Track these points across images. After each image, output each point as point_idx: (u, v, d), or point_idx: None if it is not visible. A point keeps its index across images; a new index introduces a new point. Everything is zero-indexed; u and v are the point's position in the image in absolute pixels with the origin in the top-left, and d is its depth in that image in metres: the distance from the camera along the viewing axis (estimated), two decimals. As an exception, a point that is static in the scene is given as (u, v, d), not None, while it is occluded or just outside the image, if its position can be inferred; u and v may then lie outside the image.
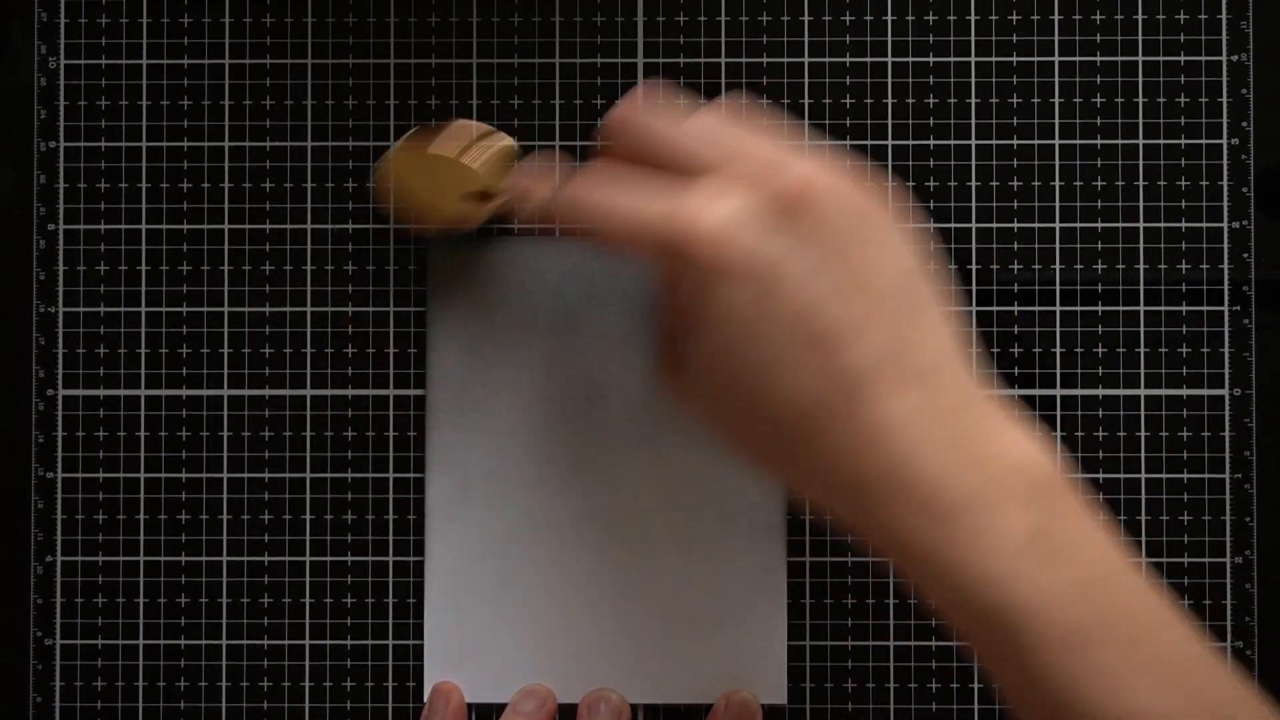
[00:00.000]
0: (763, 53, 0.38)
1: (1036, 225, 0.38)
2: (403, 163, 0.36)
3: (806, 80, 0.38)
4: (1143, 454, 0.38)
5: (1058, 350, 0.38)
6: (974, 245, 0.38)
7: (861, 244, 0.29)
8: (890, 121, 0.38)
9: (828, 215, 0.29)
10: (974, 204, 0.38)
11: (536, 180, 0.34)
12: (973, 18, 0.38)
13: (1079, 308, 0.38)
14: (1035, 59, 0.38)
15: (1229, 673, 0.28)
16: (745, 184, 0.29)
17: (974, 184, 0.38)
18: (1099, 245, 0.38)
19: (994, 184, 0.38)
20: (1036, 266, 0.38)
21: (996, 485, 0.28)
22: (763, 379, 0.29)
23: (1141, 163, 0.38)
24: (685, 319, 0.30)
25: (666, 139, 0.31)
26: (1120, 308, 0.38)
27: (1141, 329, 0.38)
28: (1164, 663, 0.28)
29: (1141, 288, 0.38)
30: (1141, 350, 0.38)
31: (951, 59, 0.38)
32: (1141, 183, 0.37)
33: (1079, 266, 0.38)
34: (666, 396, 0.32)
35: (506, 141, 0.36)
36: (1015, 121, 0.38)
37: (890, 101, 0.38)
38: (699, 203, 0.29)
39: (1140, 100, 0.38)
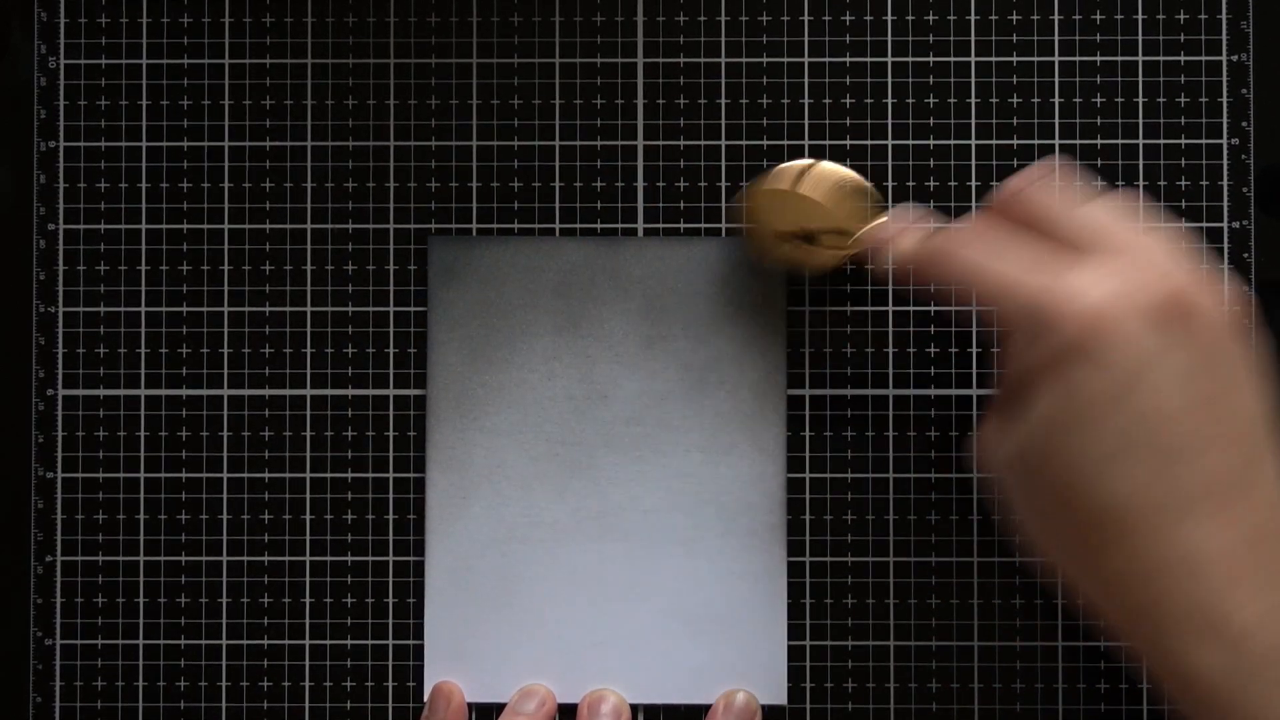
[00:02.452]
0: (763, 53, 0.38)
1: (1037, 225, 0.38)
2: (762, 201, 0.36)
3: (806, 80, 0.38)
4: (1143, 454, 0.37)
5: (1058, 350, 0.37)
6: (974, 245, 0.37)
7: (1230, 372, 0.29)
8: (890, 121, 0.38)
9: (1207, 331, 0.29)
10: (974, 204, 0.38)
11: (904, 228, 0.34)
12: (973, 18, 0.38)
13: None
14: (1035, 59, 0.38)
15: None
16: (1135, 276, 0.29)
17: (974, 184, 0.38)
18: (1099, 245, 0.37)
19: (995, 184, 0.38)
20: (1037, 266, 0.38)
21: None
22: (1090, 470, 0.29)
23: (1141, 163, 0.38)
24: (1025, 390, 0.30)
25: (1063, 213, 0.31)
26: (1120, 308, 0.37)
27: (1142, 329, 0.38)
28: None
29: (1142, 288, 0.38)
30: (1142, 350, 0.37)
31: (951, 59, 0.38)
32: (1141, 183, 0.37)
33: (1079, 266, 0.37)
34: (987, 460, 0.32)
35: (861, 183, 0.36)
36: (1015, 121, 0.38)
37: (890, 101, 0.38)
38: (1087, 278, 0.29)
39: (1140, 100, 0.38)
